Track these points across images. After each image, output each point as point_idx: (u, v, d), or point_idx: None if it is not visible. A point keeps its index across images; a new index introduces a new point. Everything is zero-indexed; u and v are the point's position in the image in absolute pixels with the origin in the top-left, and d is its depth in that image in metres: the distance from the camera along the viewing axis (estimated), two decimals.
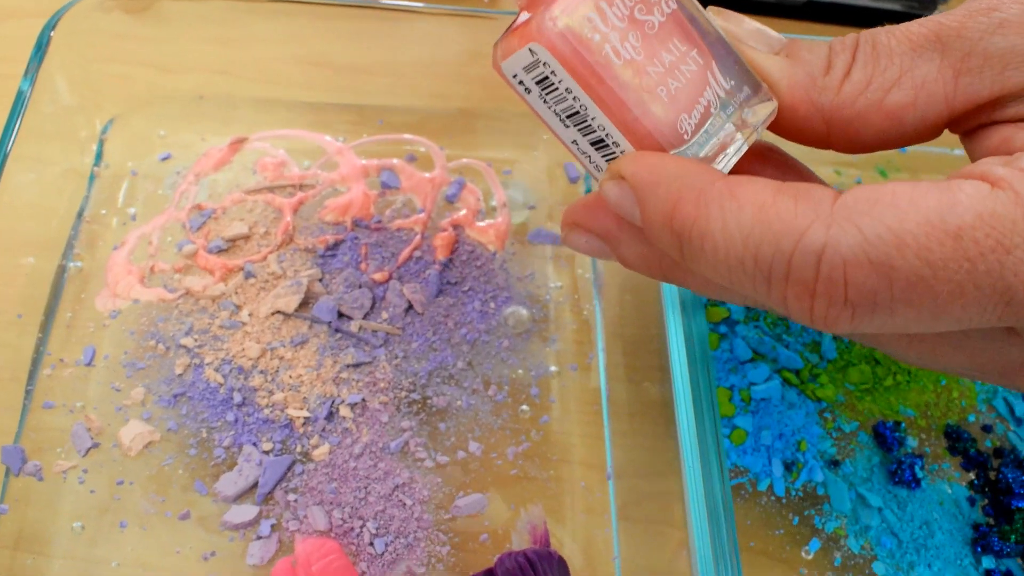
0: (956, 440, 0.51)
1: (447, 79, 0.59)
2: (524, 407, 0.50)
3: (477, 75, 0.59)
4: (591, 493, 0.48)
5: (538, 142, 0.58)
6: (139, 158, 0.56)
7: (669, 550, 0.44)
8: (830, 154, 0.58)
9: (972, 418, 0.52)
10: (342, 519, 0.45)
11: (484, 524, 0.47)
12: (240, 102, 0.58)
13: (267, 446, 0.47)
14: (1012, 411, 0.52)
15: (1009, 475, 0.49)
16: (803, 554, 0.48)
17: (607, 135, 0.32)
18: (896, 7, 0.67)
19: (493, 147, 0.58)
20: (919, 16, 0.34)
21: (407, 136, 0.58)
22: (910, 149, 0.61)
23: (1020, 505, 0.49)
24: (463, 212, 0.55)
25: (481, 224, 0.55)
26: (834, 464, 0.50)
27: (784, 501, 0.49)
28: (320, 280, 0.52)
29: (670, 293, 0.45)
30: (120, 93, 0.56)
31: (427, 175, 0.56)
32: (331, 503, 0.46)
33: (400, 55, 0.58)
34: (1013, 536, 0.48)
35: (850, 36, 0.34)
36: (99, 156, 0.56)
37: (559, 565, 0.44)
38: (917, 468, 0.49)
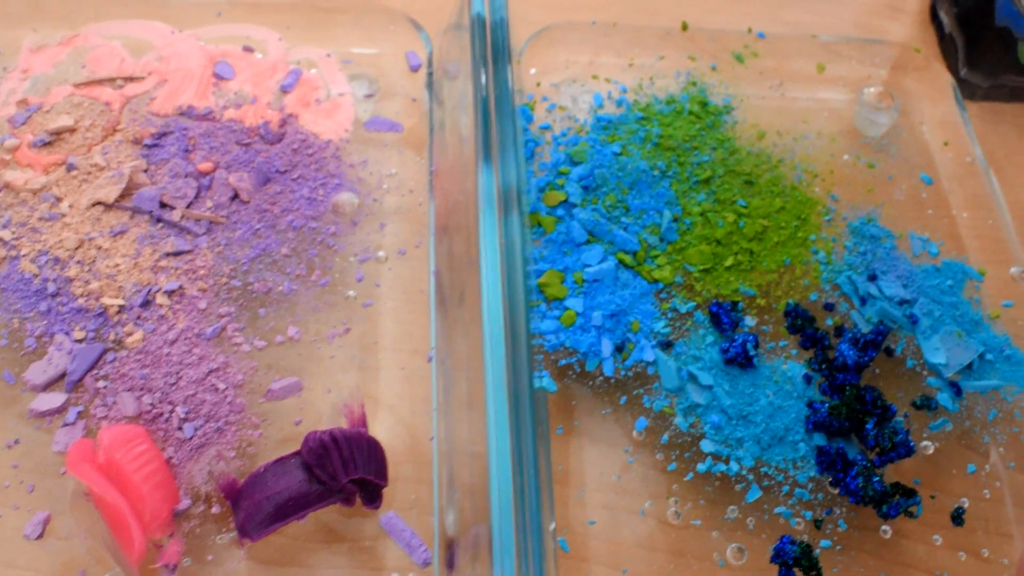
0: (795, 319, 0.50)
1: None
2: (351, 292, 0.49)
3: None
4: (412, 376, 0.47)
5: (380, 34, 0.56)
6: None
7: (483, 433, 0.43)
8: (685, 40, 0.57)
9: (814, 297, 0.51)
10: (151, 404, 0.44)
11: (299, 408, 0.46)
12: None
13: (80, 335, 0.46)
14: (856, 290, 0.51)
15: (846, 352, 0.49)
16: (633, 434, 0.47)
17: None
18: None
19: (335, 38, 0.57)
20: None
21: (245, 27, 0.56)
22: (769, 34, 0.60)
23: (853, 381, 0.48)
24: (298, 102, 0.53)
25: (317, 113, 0.53)
26: (667, 344, 0.49)
27: (613, 381, 0.48)
28: (145, 171, 0.51)
29: (486, 185, 0.44)
30: None
31: (262, 66, 0.55)
32: (141, 389, 0.45)
33: None
34: (844, 410, 0.47)
35: None
36: None
37: (368, 445, 0.43)
38: (749, 346, 0.48)
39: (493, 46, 0.48)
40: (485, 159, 0.44)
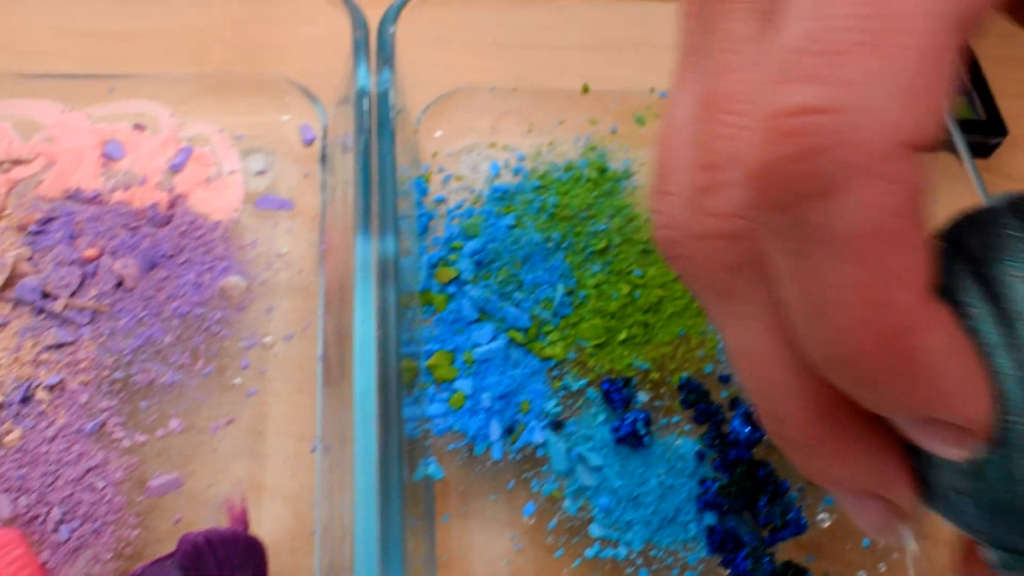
0: (689, 393, 0.50)
1: (183, 44, 0.57)
2: (237, 380, 0.48)
3: (215, 39, 0.57)
4: (298, 464, 0.47)
5: (275, 107, 0.56)
6: None
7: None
8: (589, 101, 0.56)
9: (710, 368, 0.51)
10: (28, 506, 0.44)
11: (180, 503, 0.45)
12: None
13: None
14: None
15: (738, 427, 0.48)
16: (521, 519, 0.47)
17: None
18: None
19: (228, 113, 0.56)
20: None
21: (137, 103, 0.55)
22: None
23: (744, 456, 0.48)
24: (189, 181, 0.53)
25: (207, 192, 0.53)
26: (558, 424, 0.48)
27: (501, 465, 0.47)
28: (29, 259, 0.50)
29: (362, 256, 0.43)
30: None
31: (153, 144, 0.54)
32: (18, 490, 0.44)
33: (133, 22, 0.56)
34: (734, 488, 0.46)
35: None
36: None
37: (246, 547, 0.43)
38: (639, 425, 0.48)
39: (378, 118, 0.48)
40: (363, 230, 0.44)
